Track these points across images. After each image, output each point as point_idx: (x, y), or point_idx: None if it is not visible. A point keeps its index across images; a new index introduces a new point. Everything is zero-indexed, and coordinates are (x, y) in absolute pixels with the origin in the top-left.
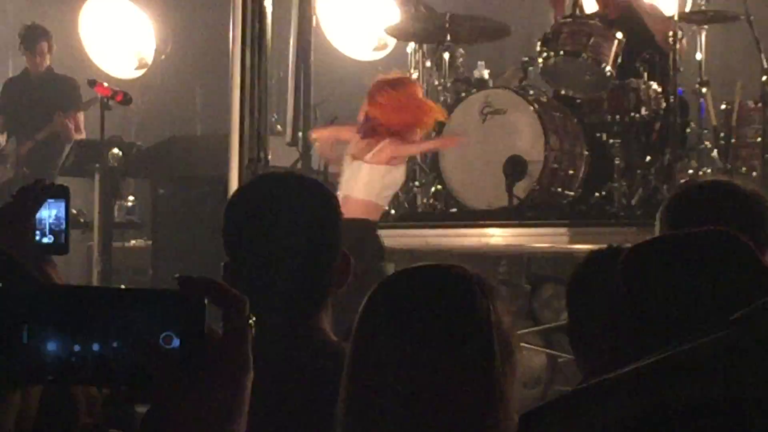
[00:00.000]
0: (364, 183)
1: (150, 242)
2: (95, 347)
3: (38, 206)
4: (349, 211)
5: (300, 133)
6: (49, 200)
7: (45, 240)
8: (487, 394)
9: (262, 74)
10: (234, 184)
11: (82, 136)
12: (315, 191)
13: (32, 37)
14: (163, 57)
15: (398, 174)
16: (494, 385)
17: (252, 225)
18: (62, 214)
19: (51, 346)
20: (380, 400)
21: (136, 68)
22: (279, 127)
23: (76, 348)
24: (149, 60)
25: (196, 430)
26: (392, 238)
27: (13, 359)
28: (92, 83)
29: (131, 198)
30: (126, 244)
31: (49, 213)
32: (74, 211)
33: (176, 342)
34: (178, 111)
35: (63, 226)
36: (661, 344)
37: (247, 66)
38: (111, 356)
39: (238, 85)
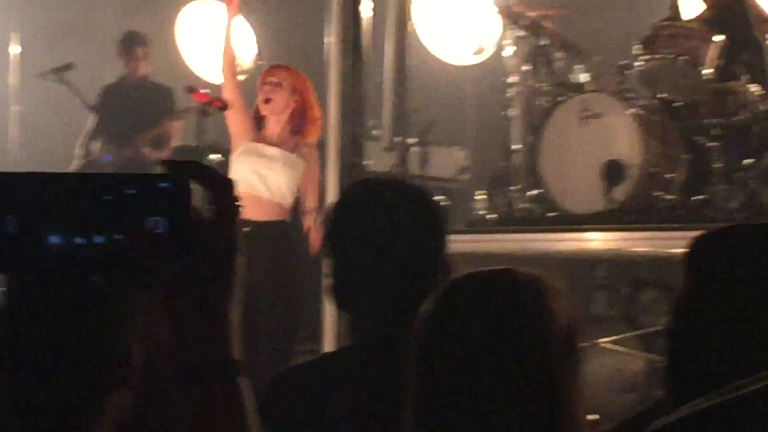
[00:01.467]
0: None
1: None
2: (82, 237)
3: None
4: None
5: (397, 139)
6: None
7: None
8: (547, 396)
9: (358, 80)
10: (331, 190)
11: (177, 144)
12: (419, 197)
13: (129, 44)
14: (261, 63)
15: None
16: (554, 387)
17: (357, 230)
18: None
19: (49, 239)
20: (443, 404)
21: (238, 73)
22: (376, 132)
23: (63, 238)
24: (248, 66)
25: (188, 312)
26: (490, 242)
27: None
28: (190, 90)
29: None
30: None
31: None
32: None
33: (164, 226)
34: None
35: None
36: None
37: (344, 72)
38: (100, 244)
39: (335, 91)
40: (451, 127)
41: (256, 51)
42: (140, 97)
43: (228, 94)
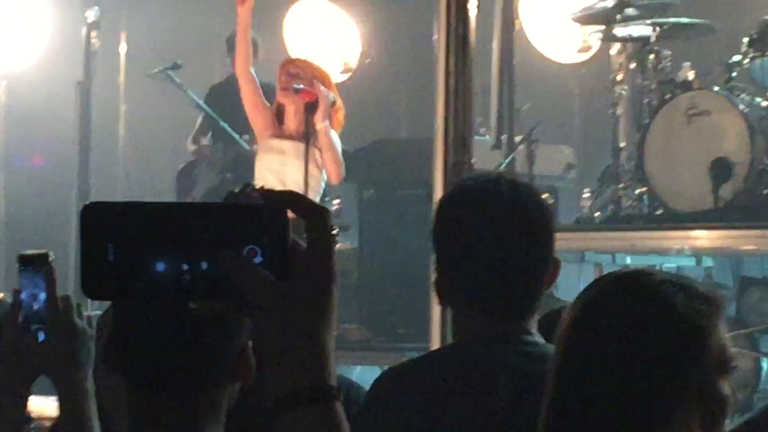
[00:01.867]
0: None
1: (356, 245)
2: (181, 265)
3: None
4: None
5: (504, 137)
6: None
7: None
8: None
9: (466, 78)
10: (438, 188)
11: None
12: (529, 194)
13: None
14: (367, 61)
15: None
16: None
17: (464, 227)
18: None
19: (148, 266)
20: (586, 404)
21: (341, 72)
22: (483, 130)
23: (163, 266)
24: (354, 64)
25: (285, 339)
26: (597, 240)
27: (99, 275)
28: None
29: (337, 201)
30: None
31: None
32: None
33: (260, 255)
34: (383, 115)
35: None
36: None
37: (452, 70)
38: (200, 272)
39: (443, 89)
40: (558, 125)
41: (361, 49)
42: None
43: (245, 91)
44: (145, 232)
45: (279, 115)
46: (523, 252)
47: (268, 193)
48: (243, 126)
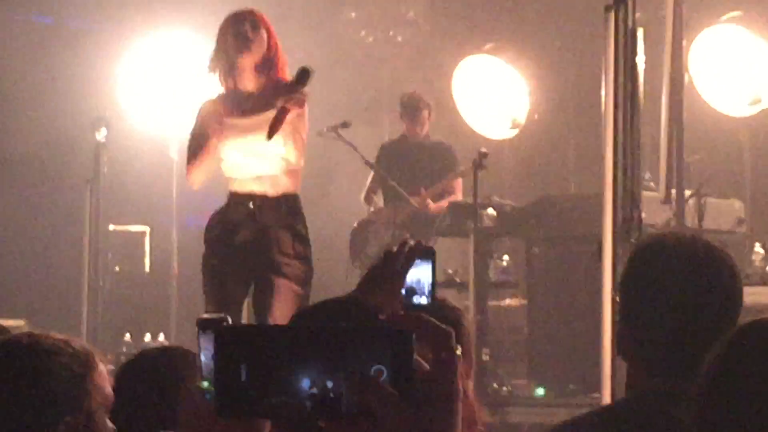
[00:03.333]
0: None
1: (525, 301)
2: (312, 384)
3: (407, 267)
4: None
5: (673, 191)
6: (417, 261)
7: (414, 300)
8: None
9: (634, 134)
10: (608, 243)
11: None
12: (724, 258)
13: (414, 106)
14: (536, 117)
15: None
16: None
17: (659, 286)
18: (428, 274)
19: (288, 386)
20: None
21: (510, 128)
22: (652, 184)
23: (297, 385)
24: (522, 120)
25: None
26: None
27: (232, 394)
28: None
29: (506, 257)
30: (501, 303)
31: (417, 274)
32: (450, 271)
33: (386, 375)
34: (551, 170)
35: (429, 287)
36: None
37: (620, 126)
38: (327, 391)
39: (611, 144)
40: (728, 178)
41: (529, 106)
42: (422, 154)
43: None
44: (275, 354)
45: (229, 72)
46: (713, 317)
47: (395, 317)
48: (414, 184)
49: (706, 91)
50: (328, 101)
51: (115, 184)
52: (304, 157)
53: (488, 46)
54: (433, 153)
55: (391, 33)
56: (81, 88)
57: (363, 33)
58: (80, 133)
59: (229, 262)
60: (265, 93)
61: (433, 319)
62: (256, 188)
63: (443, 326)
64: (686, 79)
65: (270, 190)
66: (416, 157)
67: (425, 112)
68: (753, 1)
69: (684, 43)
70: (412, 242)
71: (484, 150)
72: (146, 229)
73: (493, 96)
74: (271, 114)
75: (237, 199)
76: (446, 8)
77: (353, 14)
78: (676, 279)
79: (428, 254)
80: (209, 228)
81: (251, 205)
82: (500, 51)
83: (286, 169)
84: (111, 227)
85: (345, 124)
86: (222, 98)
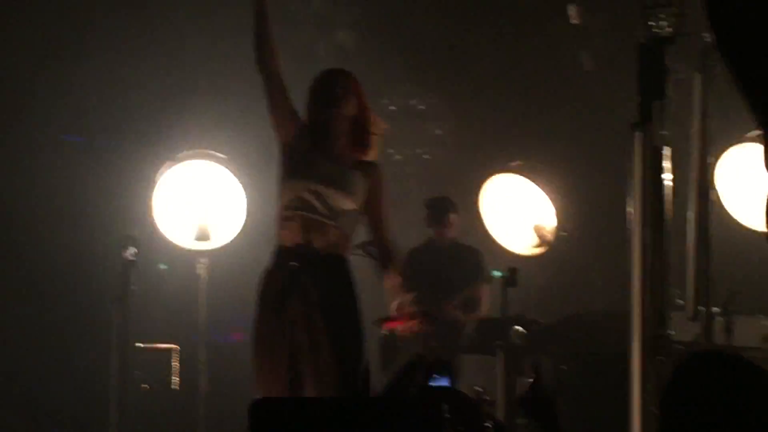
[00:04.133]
0: None
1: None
2: None
3: (424, 382)
4: None
5: (701, 308)
6: (435, 376)
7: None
8: None
9: (661, 252)
10: (636, 362)
11: (486, 308)
12: (759, 373)
13: (442, 210)
14: (563, 234)
15: None
16: None
17: (698, 406)
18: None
19: None
20: None
21: (536, 245)
22: (680, 301)
23: None
24: (550, 237)
25: None
26: None
27: None
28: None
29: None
30: None
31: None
32: (478, 389)
33: None
34: (579, 288)
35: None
36: None
37: (647, 244)
38: None
39: (638, 262)
40: (756, 295)
41: (556, 223)
42: (449, 260)
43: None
44: (308, 425)
45: (314, 132)
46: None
47: (425, 391)
48: (443, 288)
49: (734, 206)
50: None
51: (142, 300)
52: None
53: (515, 164)
54: (461, 257)
55: (418, 150)
56: (110, 206)
57: (390, 151)
58: (108, 251)
59: None
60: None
61: (462, 392)
62: None
63: (474, 399)
64: (713, 195)
65: None
66: (444, 262)
67: (451, 214)
68: None
69: (711, 159)
70: (430, 358)
71: (514, 267)
72: (174, 346)
73: (520, 213)
74: None
75: None
76: (473, 126)
77: None
78: (721, 399)
79: (446, 370)
80: None
81: None
82: (527, 169)
83: None
84: (138, 345)
85: (371, 242)
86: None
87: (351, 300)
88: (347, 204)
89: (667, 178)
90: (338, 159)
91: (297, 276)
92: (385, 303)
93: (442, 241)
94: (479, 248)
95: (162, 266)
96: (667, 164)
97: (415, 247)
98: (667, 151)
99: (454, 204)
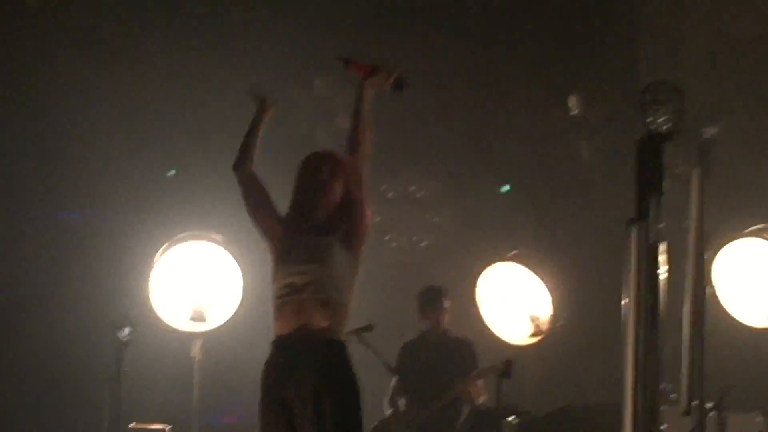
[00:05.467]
0: None
1: None
2: None
3: None
4: None
5: (695, 403)
6: None
7: None
8: None
9: (655, 348)
10: None
11: (481, 400)
12: None
13: (434, 298)
14: (559, 324)
15: None
16: None
17: None
18: None
19: None
20: None
21: (532, 335)
22: (673, 396)
23: None
24: (545, 328)
25: None
26: None
27: None
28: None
29: None
30: None
31: None
32: None
33: None
34: (573, 379)
35: None
36: None
37: (640, 340)
38: None
39: (631, 357)
40: (750, 391)
41: (551, 312)
42: (443, 352)
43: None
44: None
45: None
46: None
47: None
48: (436, 381)
49: (730, 302)
50: (351, 304)
51: (136, 381)
52: None
53: (512, 253)
54: (454, 350)
55: (415, 238)
56: (107, 286)
57: (387, 237)
58: (103, 331)
59: None
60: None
61: None
62: None
63: None
64: (709, 290)
65: None
66: (437, 354)
67: (446, 301)
68: None
69: (708, 254)
70: None
71: (509, 359)
72: (167, 427)
73: (517, 303)
74: None
75: None
76: (470, 215)
77: (378, 218)
78: None
79: None
80: None
81: None
82: (524, 259)
83: None
84: (131, 425)
85: (367, 328)
86: None
87: (349, 384)
88: (334, 274)
89: (663, 272)
90: (322, 232)
91: (295, 364)
92: (383, 388)
93: (435, 333)
94: (472, 339)
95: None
96: (662, 259)
97: (409, 341)
98: (663, 247)
99: (446, 291)
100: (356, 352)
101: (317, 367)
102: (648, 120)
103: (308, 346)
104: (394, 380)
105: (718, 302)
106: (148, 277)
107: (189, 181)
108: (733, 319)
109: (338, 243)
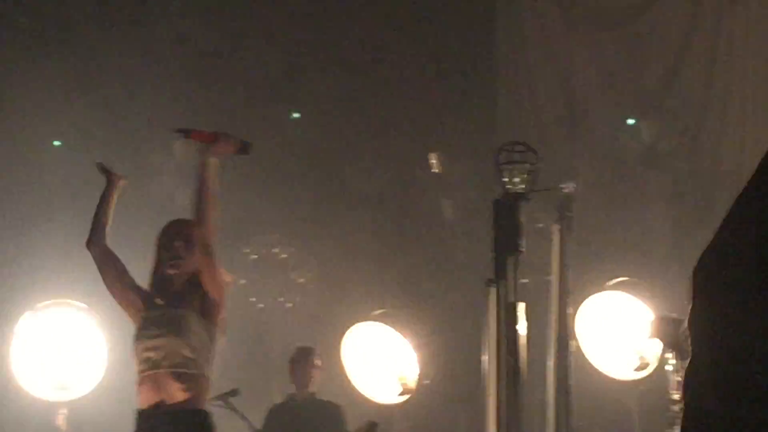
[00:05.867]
0: None
1: None
2: None
3: None
4: None
5: None
6: None
7: None
8: None
9: (517, 406)
10: None
11: None
12: None
13: (302, 355)
14: (425, 382)
15: None
16: None
17: None
18: None
19: None
20: None
21: (400, 394)
22: None
23: None
24: (412, 385)
25: None
26: None
27: None
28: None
29: None
30: None
31: None
32: None
33: None
34: None
35: None
36: None
37: (502, 399)
38: None
39: (493, 411)
40: None
41: (419, 371)
42: (310, 414)
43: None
44: None
45: (157, 284)
46: None
47: None
48: None
49: (594, 355)
50: (216, 368)
51: None
52: None
53: (377, 312)
54: (322, 413)
55: (280, 299)
56: None
57: (252, 299)
58: None
59: None
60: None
61: None
62: None
63: None
64: (572, 345)
65: None
66: (305, 417)
67: (316, 360)
68: (638, 266)
69: (570, 308)
70: None
71: (373, 421)
72: None
73: (382, 361)
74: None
75: None
76: (336, 275)
77: (243, 281)
78: None
79: None
80: None
81: None
82: (389, 318)
83: None
84: None
85: (234, 392)
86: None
87: None
88: (192, 345)
89: (522, 327)
90: (177, 304)
91: None
92: None
93: (303, 396)
94: (339, 403)
95: None
96: (522, 316)
97: (276, 404)
98: (521, 306)
99: (314, 350)
100: (224, 417)
101: None
102: (504, 179)
103: (169, 418)
104: None
105: (582, 355)
106: (9, 346)
107: (52, 249)
108: (597, 371)
109: (194, 314)
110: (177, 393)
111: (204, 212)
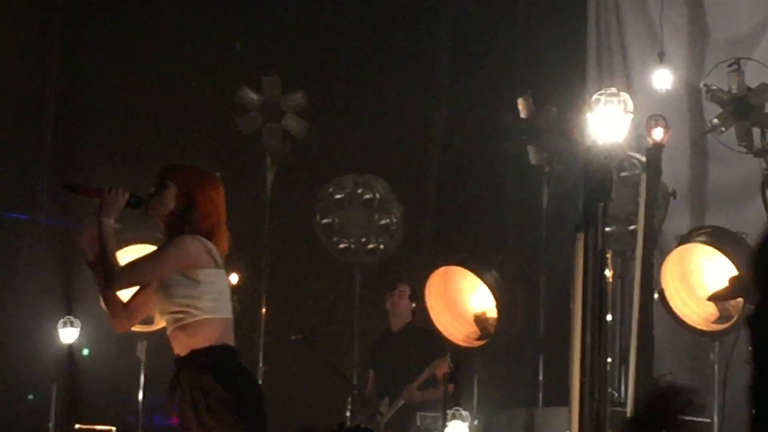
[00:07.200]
0: None
1: None
2: None
3: None
4: None
5: None
6: None
7: None
8: None
9: (601, 353)
10: None
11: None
12: None
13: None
14: (504, 328)
15: None
16: None
17: None
18: None
19: None
20: None
21: (478, 338)
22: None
23: None
24: (491, 329)
25: None
26: None
27: None
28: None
29: None
30: None
31: None
32: None
33: None
34: (521, 382)
35: None
36: None
37: (587, 345)
38: None
39: (578, 363)
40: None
41: (497, 317)
42: (406, 342)
43: None
44: None
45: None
46: None
47: None
48: (401, 374)
49: (678, 306)
50: (296, 307)
51: (81, 383)
52: None
53: (460, 256)
54: (417, 339)
55: (363, 239)
56: (51, 286)
57: (335, 239)
58: (49, 333)
59: None
60: None
61: None
62: None
63: None
64: (657, 295)
65: None
66: (401, 346)
67: (407, 293)
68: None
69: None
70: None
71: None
72: (112, 428)
73: (464, 306)
74: None
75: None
76: (419, 220)
77: (326, 220)
78: None
79: None
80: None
81: None
82: (471, 263)
83: None
84: (77, 426)
85: (313, 331)
86: None
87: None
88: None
89: (609, 277)
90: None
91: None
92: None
93: (398, 325)
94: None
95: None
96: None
97: (374, 339)
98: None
99: (403, 278)
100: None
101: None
102: (597, 127)
103: (184, 362)
104: (371, 373)
105: (666, 304)
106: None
107: None
108: (680, 320)
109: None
110: (177, 345)
111: (108, 276)
